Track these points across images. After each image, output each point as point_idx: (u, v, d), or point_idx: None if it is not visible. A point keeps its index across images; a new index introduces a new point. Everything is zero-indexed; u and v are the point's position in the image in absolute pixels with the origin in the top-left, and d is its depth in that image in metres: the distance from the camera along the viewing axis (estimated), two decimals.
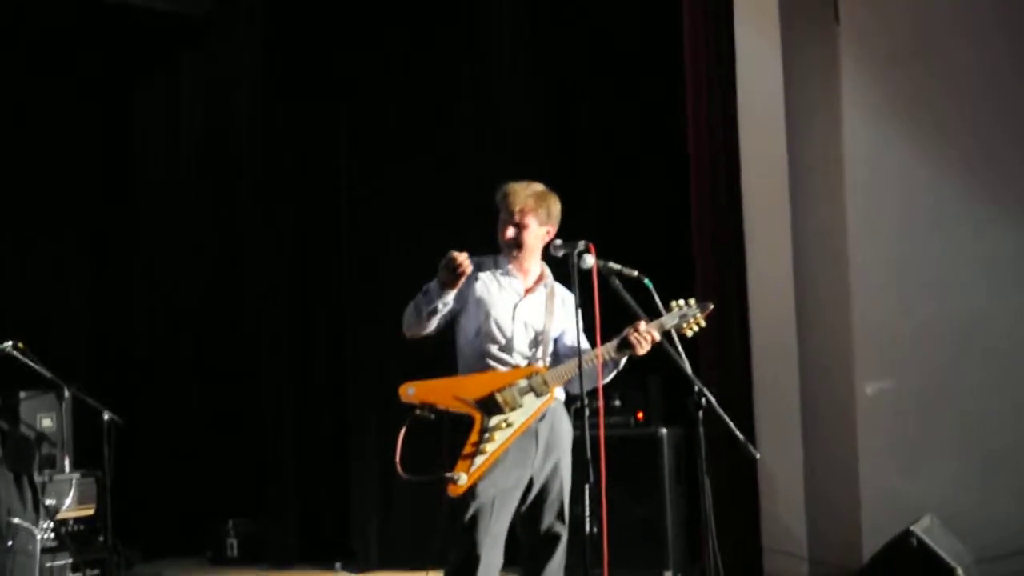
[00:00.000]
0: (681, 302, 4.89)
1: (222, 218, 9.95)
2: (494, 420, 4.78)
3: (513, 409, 4.80)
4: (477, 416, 4.79)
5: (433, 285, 4.80)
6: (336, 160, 9.17)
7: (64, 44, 9.62)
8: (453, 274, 4.71)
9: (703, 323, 4.91)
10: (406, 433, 4.72)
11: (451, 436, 4.80)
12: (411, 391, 4.84)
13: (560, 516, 4.91)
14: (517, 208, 4.94)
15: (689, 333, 4.90)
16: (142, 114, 10.28)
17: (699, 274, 7.50)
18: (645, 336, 4.76)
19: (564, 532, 4.91)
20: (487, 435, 4.76)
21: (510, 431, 4.78)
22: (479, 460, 4.73)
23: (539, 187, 5.02)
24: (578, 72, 8.53)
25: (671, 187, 7.88)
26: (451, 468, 4.72)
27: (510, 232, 4.95)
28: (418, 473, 4.78)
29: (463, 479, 4.71)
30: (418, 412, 4.80)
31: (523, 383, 4.83)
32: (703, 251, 7.54)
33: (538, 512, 4.90)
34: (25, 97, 9.42)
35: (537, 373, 4.85)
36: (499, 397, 4.79)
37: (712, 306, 4.94)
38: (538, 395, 4.83)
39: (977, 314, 7.13)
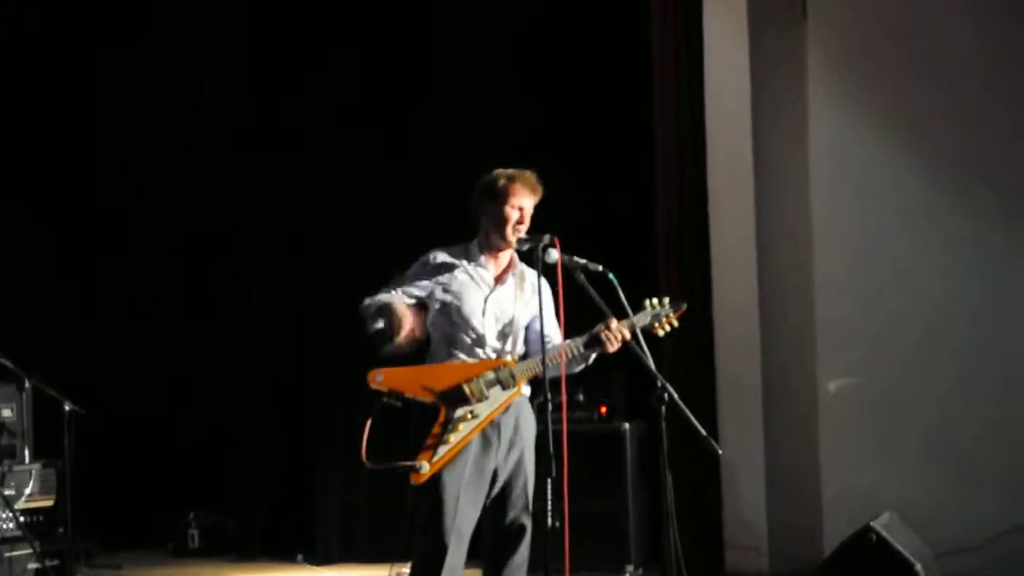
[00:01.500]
0: (655, 301, 4.88)
1: (189, 206, 9.87)
2: (459, 411, 4.78)
3: (479, 401, 4.80)
4: (442, 406, 4.79)
5: (371, 313, 4.87)
6: (305, 151, 9.13)
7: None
8: (391, 331, 4.78)
9: (676, 323, 4.91)
10: (373, 422, 4.72)
11: (418, 425, 4.81)
12: (379, 377, 4.83)
13: (525, 510, 4.91)
14: (528, 193, 4.91)
15: (661, 333, 4.89)
16: (110, 85, 10.15)
17: (663, 269, 7.52)
18: (616, 334, 4.75)
19: (528, 526, 4.91)
20: (451, 426, 4.76)
21: (475, 422, 4.78)
22: (442, 450, 4.74)
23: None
24: (543, 63, 8.52)
25: (636, 181, 7.89)
26: (414, 457, 4.73)
27: (516, 217, 4.90)
28: (381, 462, 4.78)
29: (425, 468, 4.71)
30: (385, 399, 4.81)
31: (490, 375, 4.82)
32: (667, 246, 7.56)
33: (503, 506, 4.90)
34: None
35: (505, 366, 4.85)
36: (466, 388, 4.79)
37: (686, 306, 4.94)
38: (504, 388, 4.82)
39: (941, 310, 7.19)
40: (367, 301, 4.95)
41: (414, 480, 4.73)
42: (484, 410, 4.81)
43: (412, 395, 4.83)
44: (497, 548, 4.92)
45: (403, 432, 4.89)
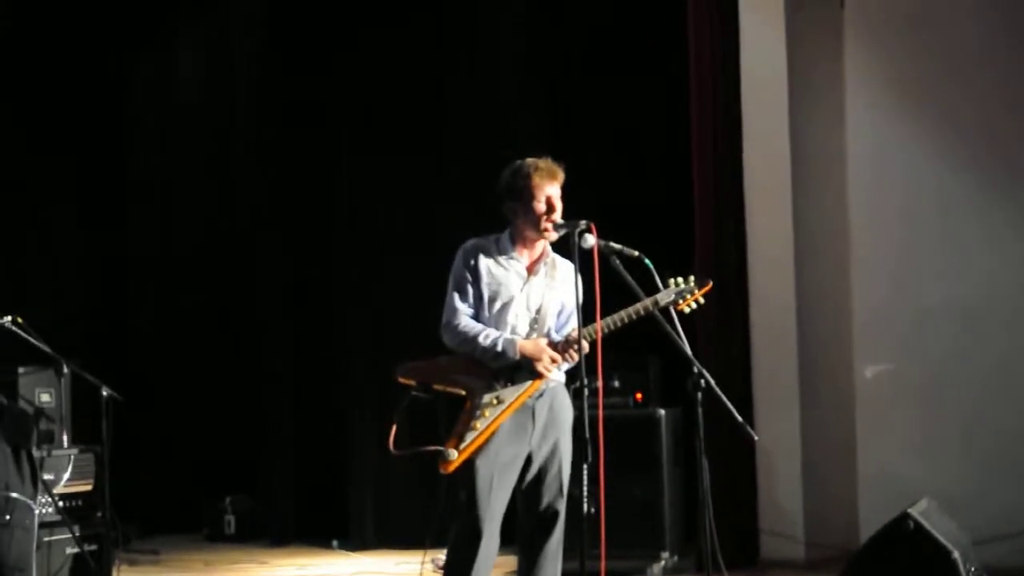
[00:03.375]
0: (679, 279, 4.88)
1: (221, 194, 9.91)
2: (485, 397, 4.80)
3: (505, 387, 4.80)
4: (469, 394, 4.81)
5: (509, 351, 4.82)
6: (334, 135, 9.13)
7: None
8: (538, 371, 4.79)
9: (701, 300, 4.90)
10: (404, 413, 4.73)
11: (447, 415, 4.83)
12: (407, 371, 4.88)
13: (559, 496, 4.91)
14: (551, 181, 4.91)
15: (686, 310, 4.88)
16: (137, 79, 10.20)
17: (699, 254, 7.49)
18: (570, 344, 4.76)
19: (562, 511, 4.91)
20: (478, 412, 4.78)
21: (501, 408, 4.79)
22: (469, 437, 4.75)
23: None
24: (579, 51, 8.52)
25: (673, 168, 7.88)
26: (443, 445, 4.74)
27: (545, 208, 4.89)
28: (409, 448, 4.80)
29: (453, 455, 4.73)
30: (414, 392, 4.84)
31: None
32: (704, 232, 7.53)
33: (537, 491, 4.91)
34: (18, 61, 9.37)
35: None
36: (491, 375, 4.81)
37: (711, 282, 4.93)
38: (531, 373, 4.83)
39: (980, 297, 7.14)
40: (469, 340, 4.88)
41: (443, 468, 4.75)
42: (510, 395, 4.82)
43: (440, 386, 4.86)
44: (532, 533, 4.93)
45: (434, 423, 4.91)
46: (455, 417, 4.82)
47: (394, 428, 4.78)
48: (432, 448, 4.76)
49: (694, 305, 4.89)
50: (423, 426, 4.85)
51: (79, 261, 9.87)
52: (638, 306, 4.77)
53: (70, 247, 9.84)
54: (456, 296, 4.95)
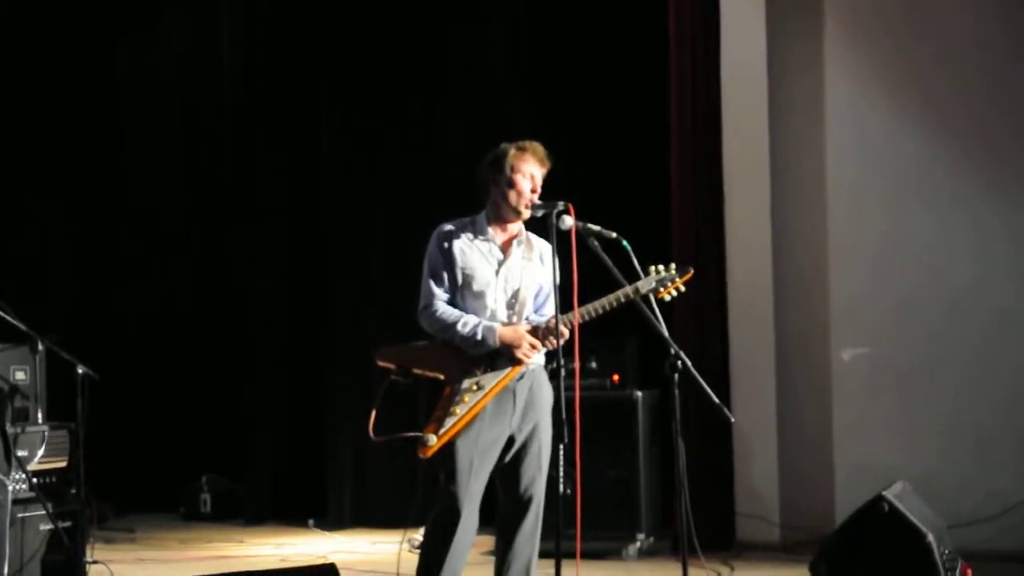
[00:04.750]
0: (660, 267, 4.86)
1: (207, 177, 9.88)
2: (465, 383, 4.80)
3: (485, 372, 4.80)
4: (449, 379, 4.81)
5: (489, 338, 4.79)
6: (320, 118, 9.11)
7: None
8: (517, 357, 4.78)
9: (682, 288, 4.89)
10: (381, 398, 4.73)
11: (426, 400, 4.82)
12: (386, 355, 4.87)
13: (537, 477, 4.91)
14: (537, 163, 4.91)
15: (667, 297, 4.87)
16: (125, 66, 10.17)
17: (677, 237, 7.50)
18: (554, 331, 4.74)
19: (541, 493, 4.91)
20: (457, 397, 4.77)
21: (481, 393, 4.79)
22: (449, 422, 4.74)
23: None
24: (560, 33, 8.51)
25: (651, 150, 7.87)
26: (422, 430, 4.73)
27: (529, 187, 4.89)
28: (388, 434, 4.79)
29: (432, 440, 4.72)
30: (393, 376, 4.83)
31: None
32: (682, 216, 7.53)
33: (516, 472, 4.90)
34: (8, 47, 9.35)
35: None
36: (471, 360, 4.81)
37: (692, 270, 4.92)
38: (510, 360, 4.82)
39: (960, 286, 7.15)
40: (447, 326, 4.87)
41: (421, 453, 4.75)
42: (490, 381, 4.81)
43: (419, 370, 4.85)
44: (509, 515, 4.93)
45: (413, 407, 4.91)
46: (434, 402, 4.81)
47: (373, 413, 4.76)
48: (411, 434, 4.75)
49: (675, 293, 4.88)
50: (402, 410, 4.85)
51: (64, 239, 9.86)
52: (618, 293, 4.77)
53: (52, 224, 9.82)
54: (431, 281, 4.94)
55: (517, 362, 4.81)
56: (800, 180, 7.54)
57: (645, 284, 4.81)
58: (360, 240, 8.86)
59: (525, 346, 4.80)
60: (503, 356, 4.82)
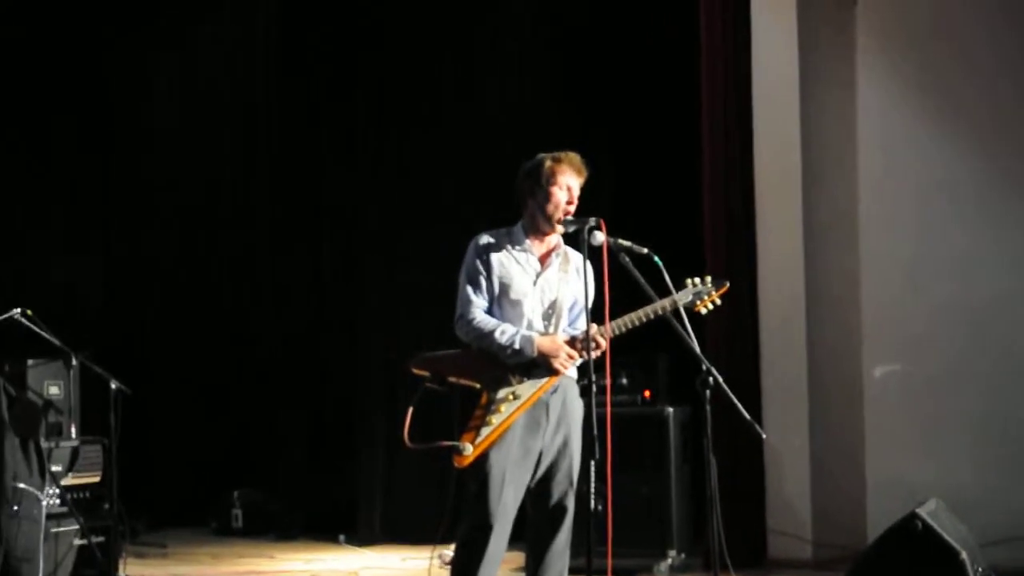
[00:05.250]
0: (696, 279, 4.86)
1: (234, 189, 9.94)
2: (501, 392, 4.79)
3: (521, 382, 4.79)
4: (485, 388, 4.80)
5: (527, 348, 4.79)
6: (351, 125, 9.15)
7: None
8: (555, 368, 4.79)
9: (718, 301, 4.89)
10: (416, 405, 4.72)
11: (461, 408, 4.81)
12: (421, 363, 4.85)
13: (568, 492, 4.89)
14: (574, 174, 4.91)
15: (703, 311, 4.87)
16: (157, 77, 10.24)
17: (709, 253, 7.48)
18: (594, 340, 4.71)
19: (571, 508, 4.90)
20: (493, 407, 4.76)
21: (517, 403, 4.78)
22: (485, 431, 4.73)
23: None
24: (592, 49, 8.52)
25: (683, 165, 7.87)
26: (456, 438, 4.73)
27: (566, 198, 4.89)
28: (424, 443, 4.78)
29: (468, 450, 4.71)
30: (428, 384, 4.81)
31: None
32: (714, 229, 7.52)
33: (547, 487, 4.89)
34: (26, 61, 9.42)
35: None
36: (508, 370, 4.80)
37: (728, 284, 4.91)
38: (547, 370, 4.82)
39: (991, 298, 7.11)
40: (483, 335, 4.86)
41: (457, 463, 4.73)
42: (527, 391, 4.80)
43: (454, 379, 4.83)
44: (539, 530, 4.91)
45: (447, 416, 4.89)
46: (469, 410, 4.80)
47: (408, 420, 4.74)
48: (447, 443, 4.75)
49: (711, 306, 4.88)
50: (436, 418, 4.84)
51: (92, 254, 9.93)
52: (656, 305, 4.75)
53: (84, 241, 9.89)
54: (469, 289, 4.93)
55: (554, 372, 4.81)
56: (832, 192, 7.51)
57: (682, 297, 4.81)
58: (390, 250, 8.87)
59: (563, 356, 4.80)
60: (540, 366, 4.81)
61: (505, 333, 4.82)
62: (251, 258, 9.74)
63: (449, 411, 4.87)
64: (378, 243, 8.94)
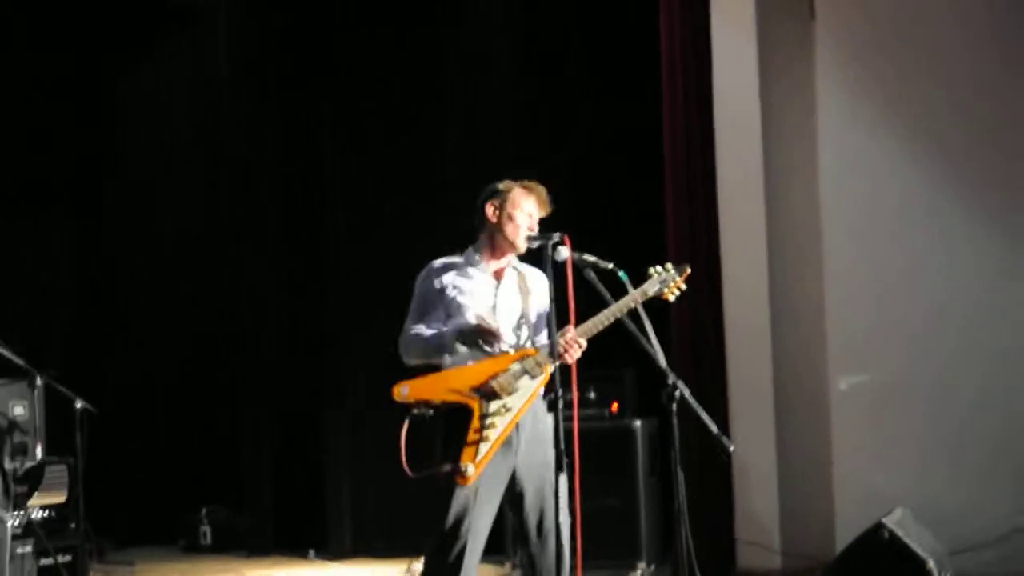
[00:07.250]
0: (659, 268, 4.89)
1: (198, 206, 9.89)
2: (493, 406, 4.77)
3: (510, 394, 4.79)
4: (476, 405, 4.77)
5: (449, 336, 4.83)
6: (321, 136, 9.13)
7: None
8: (485, 340, 4.82)
9: (683, 286, 4.92)
10: (408, 434, 4.71)
11: (444, 429, 4.79)
12: (404, 390, 4.80)
13: (556, 508, 4.81)
14: (540, 206, 4.95)
15: (671, 298, 4.91)
16: (123, 94, 10.20)
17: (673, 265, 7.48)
18: (570, 343, 4.73)
19: (566, 521, 4.78)
20: (488, 421, 4.74)
21: (510, 416, 4.77)
22: (484, 448, 4.72)
23: None
24: (554, 63, 8.53)
25: (646, 181, 7.88)
26: (454, 459, 4.70)
27: (527, 225, 4.92)
28: (422, 469, 4.76)
29: (471, 470, 4.69)
30: (415, 411, 4.78)
31: (516, 367, 4.81)
32: (677, 243, 7.54)
33: (536, 505, 4.84)
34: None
35: (528, 356, 4.84)
36: (495, 383, 4.78)
37: (689, 268, 4.95)
38: (532, 377, 4.81)
39: (957, 309, 7.15)
40: (414, 342, 4.92)
41: (460, 483, 4.71)
42: (517, 402, 4.79)
43: (441, 401, 4.80)
44: (531, 551, 4.87)
45: (428, 437, 4.87)
46: (457, 429, 4.76)
47: (403, 451, 4.70)
48: (447, 467, 4.72)
49: (677, 292, 4.91)
50: (422, 444, 4.82)
51: (58, 273, 9.86)
52: (627, 299, 4.76)
53: (50, 260, 9.83)
54: (414, 315, 4.99)
55: (496, 339, 4.82)
56: (795, 206, 7.55)
57: (651, 286, 4.84)
58: (361, 266, 8.85)
59: (494, 327, 4.82)
60: (525, 375, 4.80)
61: (430, 327, 4.88)
62: (218, 276, 9.69)
63: (431, 432, 4.85)
64: (347, 259, 8.92)
